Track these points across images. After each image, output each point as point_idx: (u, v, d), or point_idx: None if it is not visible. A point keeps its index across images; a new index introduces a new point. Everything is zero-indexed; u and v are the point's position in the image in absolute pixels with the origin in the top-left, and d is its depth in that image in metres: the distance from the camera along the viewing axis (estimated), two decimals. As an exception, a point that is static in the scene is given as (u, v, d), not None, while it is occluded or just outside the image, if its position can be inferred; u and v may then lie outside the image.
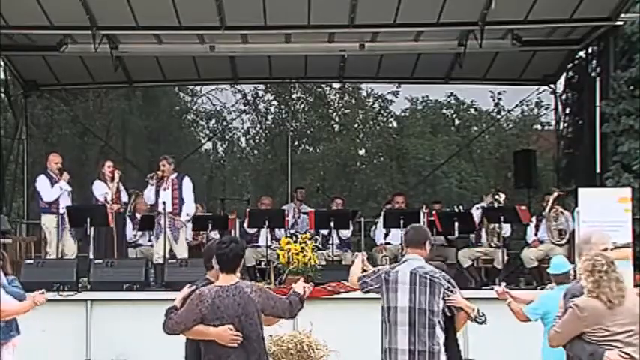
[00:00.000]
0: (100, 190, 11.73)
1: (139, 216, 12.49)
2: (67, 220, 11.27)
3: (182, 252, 11.18)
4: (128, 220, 12.42)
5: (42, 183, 11.49)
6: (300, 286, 5.91)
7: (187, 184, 11.46)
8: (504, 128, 23.46)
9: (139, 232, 12.44)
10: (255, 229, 12.46)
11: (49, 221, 11.39)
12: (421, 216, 11.98)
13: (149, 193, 11.48)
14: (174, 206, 11.29)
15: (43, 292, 6.14)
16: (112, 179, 11.78)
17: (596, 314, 5.10)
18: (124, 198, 11.99)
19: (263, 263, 12.05)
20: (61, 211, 11.33)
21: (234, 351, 5.34)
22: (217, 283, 5.47)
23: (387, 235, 12.54)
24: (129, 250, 12.20)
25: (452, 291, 6.08)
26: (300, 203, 13.75)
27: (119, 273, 10.40)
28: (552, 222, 11.91)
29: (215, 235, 12.65)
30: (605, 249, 5.63)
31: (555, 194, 12.11)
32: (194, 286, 5.62)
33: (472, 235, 12.39)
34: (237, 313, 5.35)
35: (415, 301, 6.03)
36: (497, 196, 12.37)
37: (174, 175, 11.47)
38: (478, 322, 6.21)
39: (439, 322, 6.02)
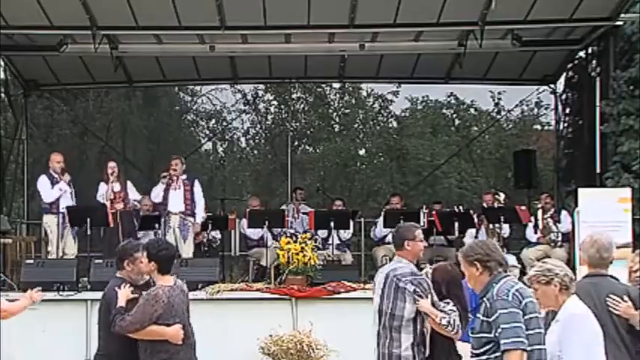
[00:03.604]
0: (101, 191, 11.76)
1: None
2: (67, 219, 11.29)
3: (188, 252, 11.28)
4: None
5: (42, 183, 11.55)
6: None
7: (199, 186, 11.70)
8: (504, 128, 23.45)
9: (142, 232, 12.39)
10: (260, 234, 12.47)
11: (50, 221, 11.45)
12: (421, 216, 11.99)
13: (158, 191, 11.55)
14: (187, 207, 11.39)
15: (38, 290, 6.11)
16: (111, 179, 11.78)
17: None
18: (133, 196, 11.92)
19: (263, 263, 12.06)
20: (62, 210, 11.35)
21: (183, 347, 5.66)
22: (164, 283, 5.69)
23: (387, 235, 12.55)
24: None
25: (420, 296, 6.00)
26: (299, 203, 13.72)
27: (119, 273, 10.37)
28: (547, 234, 12.02)
29: (217, 234, 12.70)
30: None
31: (539, 209, 12.21)
32: (130, 286, 5.82)
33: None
34: (184, 310, 5.74)
35: (384, 303, 6.09)
36: (497, 196, 12.40)
37: (184, 176, 11.57)
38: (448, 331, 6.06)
39: (401, 326, 5.99)
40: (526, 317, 4.51)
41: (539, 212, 12.22)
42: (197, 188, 11.63)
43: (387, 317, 6.05)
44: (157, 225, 11.67)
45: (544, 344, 4.59)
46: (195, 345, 5.87)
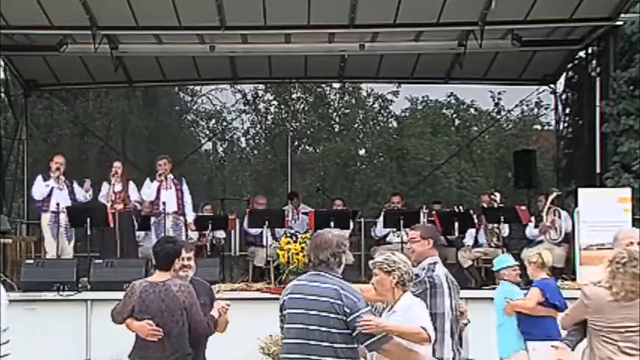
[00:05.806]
0: (103, 191, 11.76)
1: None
2: (61, 219, 11.26)
3: None
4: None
5: (36, 181, 11.59)
6: (215, 312, 6.01)
7: (185, 185, 11.67)
8: (504, 128, 23.47)
9: (142, 232, 12.38)
10: (259, 231, 12.45)
11: (43, 220, 11.46)
12: (421, 216, 11.99)
13: (149, 191, 11.50)
14: (179, 206, 11.36)
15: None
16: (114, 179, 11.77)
17: (600, 304, 5.12)
18: (134, 197, 11.86)
19: (264, 263, 12.05)
20: (52, 209, 11.32)
21: (154, 345, 5.65)
22: (149, 279, 5.85)
23: (387, 234, 12.55)
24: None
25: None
26: (294, 208, 13.65)
27: (119, 273, 10.37)
28: (548, 222, 11.95)
29: (221, 234, 12.70)
30: (631, 243, 5.66)
31: (554, 194, 12.12)
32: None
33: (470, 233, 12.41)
34: (160, 308, 5.65)
35: (453, 306, 5.74)
36: (493, 196, 12.38)
37: (171, 175, 11.55)
38: None
39: None
40: (283, 312, 5.06)
41: (549, 197, 12.09)
42: (185, 187, 11.62)
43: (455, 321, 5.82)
44: (156, 225, 11.67)
45: (298, 339, 4.85)
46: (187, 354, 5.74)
